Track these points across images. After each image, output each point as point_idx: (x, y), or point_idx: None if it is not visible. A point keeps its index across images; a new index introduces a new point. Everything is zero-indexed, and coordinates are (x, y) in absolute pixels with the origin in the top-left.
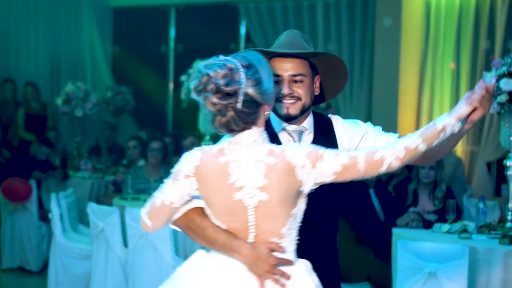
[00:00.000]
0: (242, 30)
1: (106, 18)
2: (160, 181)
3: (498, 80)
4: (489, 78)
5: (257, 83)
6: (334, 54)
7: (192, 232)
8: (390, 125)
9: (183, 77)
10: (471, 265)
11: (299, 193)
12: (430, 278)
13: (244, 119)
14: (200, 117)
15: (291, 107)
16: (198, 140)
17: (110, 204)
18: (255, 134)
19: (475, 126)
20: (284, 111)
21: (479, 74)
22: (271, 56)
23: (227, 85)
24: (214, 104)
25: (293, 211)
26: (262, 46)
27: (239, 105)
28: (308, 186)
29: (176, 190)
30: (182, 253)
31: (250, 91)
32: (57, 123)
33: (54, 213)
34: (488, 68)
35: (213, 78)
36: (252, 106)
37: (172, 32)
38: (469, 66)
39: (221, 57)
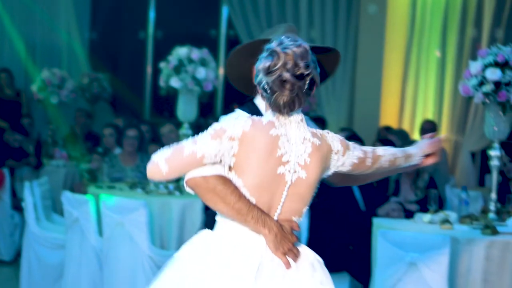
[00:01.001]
0: (224, 15)
1: (83, 3)
2: (136, 169)
3: (484, 70)
4: (475, 68)
5: (316, 67)
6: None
7: (217, 196)
8: (373, 114)
9: (162, 64)
10: (453, 255)
11: (321, 178)
12: (411, 268)
13: (303, 100)
14: (178, 104)
15: None
16: (176, 128)
17: (85, 193)
18: (301, 114)
19: (460, 116)
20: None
21: (465, 63)
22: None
23: (306, 66)
24: (288, 83)
25: (313, 194)
26: (244, 32)
27: (306, 86)
28: (329, 173)
29: (214, 146)
30: (158, 242)
31: (315, 73)
32: (31, 110)
33: (28, 201)
34: (474, 57)
35: (294, 58)
36: (312, 88)
37: (151, 18)
38: (455, 55)
39: (285, 38)
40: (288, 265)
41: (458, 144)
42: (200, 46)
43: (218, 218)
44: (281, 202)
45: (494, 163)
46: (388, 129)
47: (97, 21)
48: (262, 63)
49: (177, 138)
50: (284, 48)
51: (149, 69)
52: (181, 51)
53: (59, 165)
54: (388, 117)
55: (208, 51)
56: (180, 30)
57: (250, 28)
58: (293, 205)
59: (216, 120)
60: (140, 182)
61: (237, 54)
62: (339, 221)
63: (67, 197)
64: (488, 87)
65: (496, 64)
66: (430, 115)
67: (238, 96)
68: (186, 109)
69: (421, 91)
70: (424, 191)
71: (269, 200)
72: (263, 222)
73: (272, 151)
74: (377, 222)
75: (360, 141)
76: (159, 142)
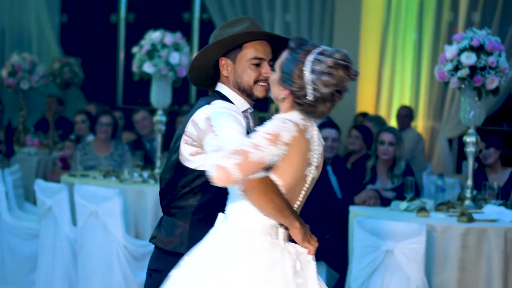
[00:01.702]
0: None
1: None
2: (110, 157)
3: (459, 54)
4: (450, 52)
5: None
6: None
7: (267, 197)
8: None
9: (134, 49)
10: (429, 243)
11: None
12: (387, 256)
13: None
14: (152, 90)
15: (266, 90)
16: (150, 114)
17: (58, 181)
18: None
19: (437, 102)
20: (261, 94)
21: (442, 46)
22: (250, 39)
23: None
24: (336, 97)
25: None
26: (218, 16)
27: None
28: None
29: (274, 152)
30: (132, 231)
31: None
32: (1, 96)
33: None
34: (451, 41)
35: (346, 75)
36: None
37: (123, 1)
38: (432, 38)
39: (336, 52)
40: (313, 252)
41: (435, 130)
42: (174, 30)
43: (232, 212)
44: (298, 201)
45: (470, 149)
46: (364, 115)
47: (67, 3)
48: (321, 76)
49: (151, 125)
50: (341, 66)
51: (121, 54)
52: (154, 36)
53: (31, 152)
54: (365, 103)
55: (181, 35)
56: (153, 13)
57: (224, 11)
58: (302, 203)
59: (191, 106)
60: (114, 170)
61: (208, 50)
62: (315, 210)
63: (40, 186)
64: (463, 72)
65: (471, 49)
66: (407, 101)
67: None
68: (159, 95)
69: (398, 77)
70: (400, 178)
71: (291, 198)
72: (296, 218)
73: (306, 153)
74: (353, 210)
75: (336, 128)
76: (132, 129)
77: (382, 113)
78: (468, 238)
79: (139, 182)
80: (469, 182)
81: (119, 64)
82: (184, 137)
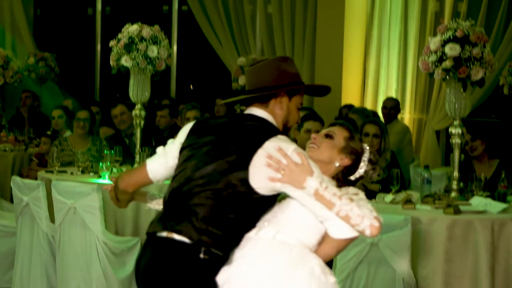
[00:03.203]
0: None
1: None
2: (87, 153)
3: (443, 45)
4: (434, 44)
5: None
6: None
7: None
8: (333, 92)
9: (112, 42)
10: (415, 236)
11: None
12: (372, 248)
13: None
14: (130, 84)
15: None
16: (128, 109)
17: (34, 178)
18: None
19: (423, 94)
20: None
21: (428, 38)
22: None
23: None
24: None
25: None
26: (197, 7)
27: None
28: None
29: None
30: (112, 227)
31: None
32: None
33: None
34: (436, 33)
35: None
36: None
37: None
38: (417, 30)
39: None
40: None
41: (422, 122)
42: (152, 21)
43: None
44: None
45: (456, 141)
46: (350, 107)
47: None
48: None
49: (129, 119)
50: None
51: (98, 48)
52: (131, 29)
53: (6, 149)
54: (350, 96)
55: (160, 28)
56: (130, 6)
57: (203, 3)
58: None
59: (171, 100)
60: (92, 165)
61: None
62: None
63: (16, 183)
64: (447, 63)
65: (455, 40)
66: (393, 93)
67: (193, 75)
68: (138, 89)
69: (384, 68)
70: (386, 170)
71: None
72: None
73: None
74: None
75: (320, 120)
76: (110, 124)
77: (368, 105)
78: (454, 230)
79: None
80: (455, 173)
81: (96, 58)
82: (265, 159)
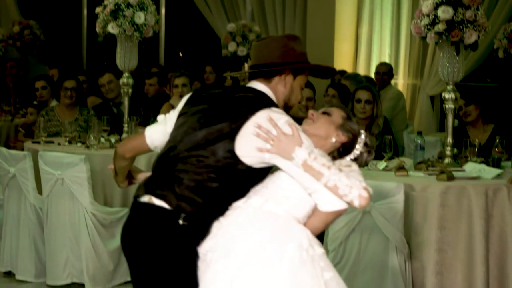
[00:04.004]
0: None
1: None
2: (75, 122)
3: (435, 8)
4: (426, 6)
5: None
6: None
7: None
8: (326, 58)
9: (97, 9)
10: (408, 203)
11: None
12: (364, 217)
13: None
14: (117, 52)
15: None
16: (116, 77)
17: (21, 149)
18: None
19: (417, 58)
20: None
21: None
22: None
23: None
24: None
25: None
26: None
27: None
28: None
29: None
30: (100, 199)
31: None
32: None
33: None
34: None
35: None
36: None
37: None
38: None
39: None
40: None
41: (416, 88)
42: None
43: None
44: None
45: (449, 106)
46: (342, 73)
47: None
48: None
49: (117, 88)
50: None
51: (85, 13)
52: None
53: None
54: (343, 62)
55: None
56: None
57: None
58: None
59: (160, 68)
60: (80, 135)
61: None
62: None
63: (3, 154)
64: (440, 27)
65: (448, 2)
66: (386, 59)
67: (182, 42)
68: (125, 57)
69: (377, 34)
70: (379, 137)
71: None
72: None
73: None
74: None
75: (311, 87)
76: (98, 93)
77: (361, 71)
78: (447, 196)
79: (106, 147)
80: (449, 139)
81: (83, 26)
82: (255, 129)
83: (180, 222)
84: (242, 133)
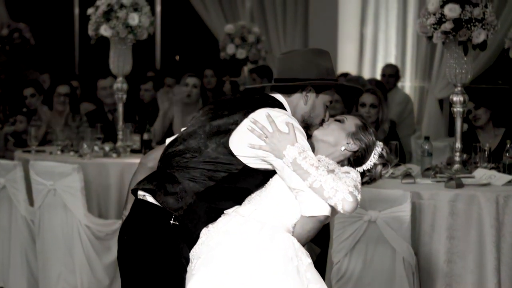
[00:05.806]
0: None
1: None
2: (67, 130)
3: (442, 6)
4: (432, 5)
5: None
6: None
7: None
8: None
9: (89, 10)
10: (415, 212)
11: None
12: (370, 226)
13: None
14: (110, 56)
15: None
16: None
17: (11, 158)
18: None
19: (425, 60)
20: None
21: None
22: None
23: None
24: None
25: None
26: None
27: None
28: None
29: None
30: (95, 210)
31: None
32: None
33: None
34: None
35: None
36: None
37: None
38: None
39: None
40: None
41: (424, 90)
42: None
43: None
44: None
45: (457, 109)
46: (346, 76)
47: None
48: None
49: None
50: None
51: (76, 16)
52: None
53: None
54: (347, 64)
55: None
56: None
57: None
58: None
59: (156, 72)
60: (72, 144)
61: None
62: None
63: None
64: (447, 25)
65: (455, 0)
66: (392, 60)
67: (178, 44)
68: (119, 60)
69: (382, 33)
70: (384, 143)
71: None
72: None
73: None
74: None
75: None
76: (93, 99)
77: (366, 73)
78: (456, 204)
79: (100, 156)
80: (458, 144)
81: (74, 28)
82: (250, 124)
83: (171, 222)
84: (238, 129)
